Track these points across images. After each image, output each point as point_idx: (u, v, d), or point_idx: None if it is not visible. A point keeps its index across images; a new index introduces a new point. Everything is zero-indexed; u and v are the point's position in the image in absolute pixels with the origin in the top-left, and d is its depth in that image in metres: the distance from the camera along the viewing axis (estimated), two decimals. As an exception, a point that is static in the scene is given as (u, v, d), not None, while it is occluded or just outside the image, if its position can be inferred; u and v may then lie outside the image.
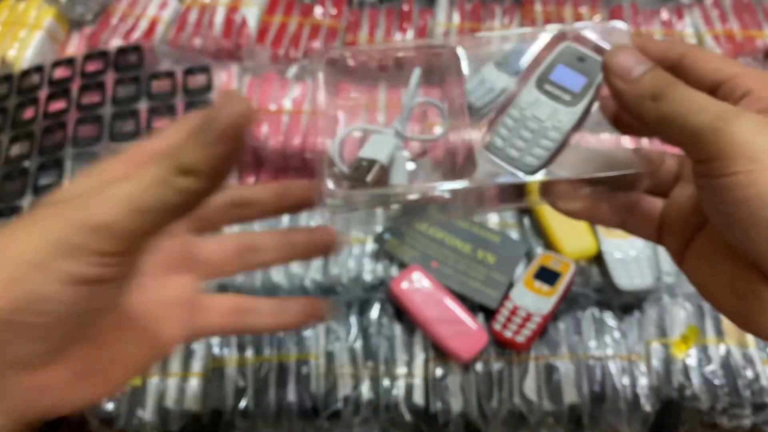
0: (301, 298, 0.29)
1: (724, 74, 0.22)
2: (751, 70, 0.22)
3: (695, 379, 0.46)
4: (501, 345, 0.47)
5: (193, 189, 0.18)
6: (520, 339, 0.46)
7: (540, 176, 0.26)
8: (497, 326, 0.47)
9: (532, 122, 0.28)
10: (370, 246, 0.53)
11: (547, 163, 0.26)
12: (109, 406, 0.47)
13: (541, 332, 0.48)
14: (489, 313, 0.49)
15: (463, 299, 0.49)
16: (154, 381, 0.47)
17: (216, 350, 0.48)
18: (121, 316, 0.24)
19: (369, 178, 0.26)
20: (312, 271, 0.52)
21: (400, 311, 0.49)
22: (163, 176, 0.18)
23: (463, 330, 0.41)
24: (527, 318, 0.47)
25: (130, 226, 0.18)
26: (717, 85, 0.23)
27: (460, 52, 0.31)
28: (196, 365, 0.48)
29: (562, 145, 0.26)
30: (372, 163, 0.27)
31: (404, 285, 0.42)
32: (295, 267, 0.52)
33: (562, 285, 0.48)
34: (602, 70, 0.24)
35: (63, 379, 0.21)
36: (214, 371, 0.47)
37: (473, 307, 0.49)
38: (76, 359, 0.22)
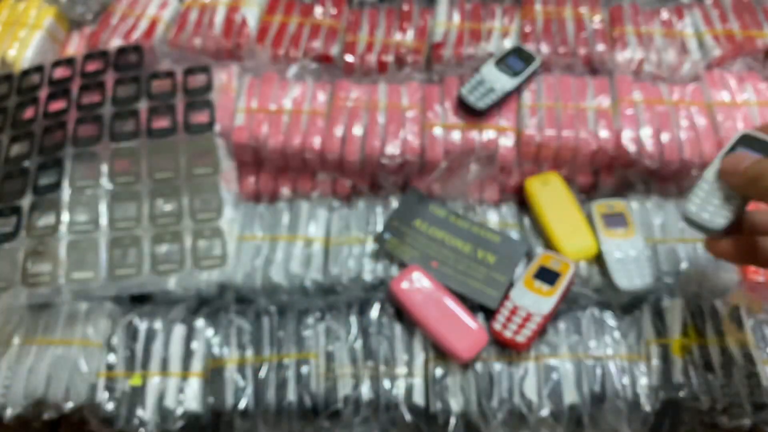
0: None
1: None
2: None
3: (695, 379, 0.46)
4: (501, 345, 0.47)
5: None
6: (520, 339, 0.46)
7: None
8: (497, 326, 0.47)
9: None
10: (370, 246, 0.53)
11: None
12: (109, 406, 0.47)
13: (541, 332, 0.48)
14: (489, 313, 0.49)
15: (463, 299, 0.49)
16: (154, 381, 0.47)
17: (216, 350, 0.48)
18: None
19: None
20: (312, 271, 0.52)
21: (399, 311, 0.49)
22: None
23: (463, 329, 0.41)
24: (527, 318, 0.47)
25: None
26: None
27: None
28: (196, 365, 0.48)
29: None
30: None
31: (404, 285, 0.42)
32: (296, 267, 0.52)
33: (562, 285, 0.48)
34: (720, 175, 0.38)
35: None
36: (214, 371, 0.47)
37: (473, 306, 0.49)
38: None
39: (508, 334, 0.46)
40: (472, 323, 0.42)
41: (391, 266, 0.52)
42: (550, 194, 0.54)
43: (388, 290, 0.41)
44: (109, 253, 0.49)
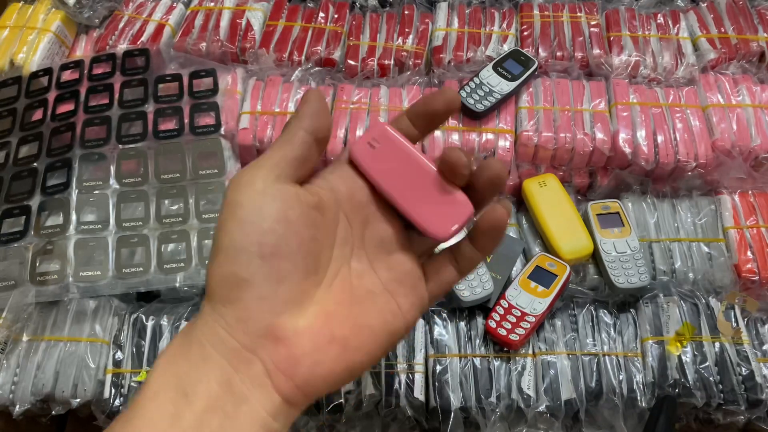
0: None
1: None
2: None
3: (690, 376, 0.47)
4: (495, 342, 0.48)
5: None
6: (514, 337, 0.47)
7: None
8: (492, 324, 0.48)
9: None
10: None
11: None
12: (117, 402, 0.48)
13: (534, 331, 0.49)
14: (486, 310, 0.50)
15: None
16: (160, 377, 0.48)
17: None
18: (357, 289, 0.26)
19: None
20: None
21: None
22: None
23: (440, 200, 0.29)
24: (521, 317, 0.47)
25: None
26: None
27: None
28: (202, 361, 0.49)
29: None
30: None
31: (364, 147, 0.30)
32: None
33: (557, 287, 0.49)
34: None
35: (307, 345, 0.24)
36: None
37: (473, 308, 0.50)
38: (317, 320, 0.24)
39: (502, 332, 0.47)
40: (453, 191, 0.29)
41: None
42: (548, 195, 0.55)
43: (348, 154, 0.29)
44: (116, 251, 0.50)
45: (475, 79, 0.58)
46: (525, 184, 0.56)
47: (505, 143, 0.56)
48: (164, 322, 0.50)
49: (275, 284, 0.24)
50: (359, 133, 0.57)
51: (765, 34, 0.63)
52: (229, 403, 0.22)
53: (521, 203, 0.58)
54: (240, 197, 0.24)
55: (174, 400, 0.22)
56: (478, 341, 0.49)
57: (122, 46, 0.63)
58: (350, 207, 0.28)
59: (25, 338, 0.50)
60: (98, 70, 0.60)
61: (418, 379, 0.47)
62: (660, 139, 0.56)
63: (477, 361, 0.48)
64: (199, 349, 0.23)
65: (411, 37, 0.64)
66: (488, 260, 0.52)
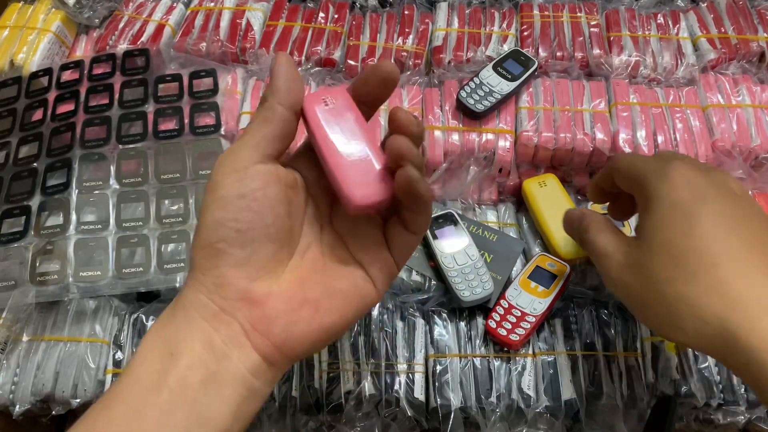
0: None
1: (628, 184, 0.35)
2: (635, 177, 0.35)
3: (690, 376, 0.47)
4: (495, 342, 0.48)
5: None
6: (514, 337, 0.47)
7: None
8: (492, 324, 0.48)
9: None
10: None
11: None
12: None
13: (535, 331, 0.49)
14: (486, 310, 0.50)
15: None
16: (160, 377, 0.48)
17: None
18: (328, 258, 0.29)
19: None
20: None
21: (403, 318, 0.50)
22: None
23: (366, 173, 0.29)
24: (521, 317, 0.48)
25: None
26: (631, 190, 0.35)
27: None
28: (202, 361, 0.49)
29: None
30: None
31: (321, 102, 0.30)
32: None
33: (557, 287, 0.49)
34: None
35: (281, 307, 0.26)
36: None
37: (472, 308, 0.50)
38: (290, 285, 0.27)
39: (502, 332, 0.47)
40: (383, 173, 0.29)
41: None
42: (548, 195, 0.55)
43: (301, 109, 0.29)
44: (116, 251, 0.50)
45: (475, 79, 0.58)
46: (525, 184, 0.56)
47: (505, 143, 0.56)
48: (164, 322, 0.50)
49: (249, 253, 0.26)
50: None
51: (765, 34, 0.63)
52: (211, 361, 0.25)
53: (521, 203, 0.58)
54: (221, 178, 0.26)
55: (161, 358, 0.25)
56: (478, 341, 0.49)
57: (122, 46, 0.63)
58: (317, 191, 0.31)
59: (25, 338, 0.50)
60: (98, 70, 0.60)
61: (418, 379, 0.47)
62: (660, 139, 0.56)
63: (477, 361, 0.48)
64: (183, 313, 0.26)
65: (411, 37, 0.64)
66: (488, 260, 0.52)
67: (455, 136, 0.57)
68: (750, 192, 0.56)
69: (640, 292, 0.31)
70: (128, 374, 0.25)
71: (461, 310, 0.50)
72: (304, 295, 0.27)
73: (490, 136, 0.57)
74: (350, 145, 0.29)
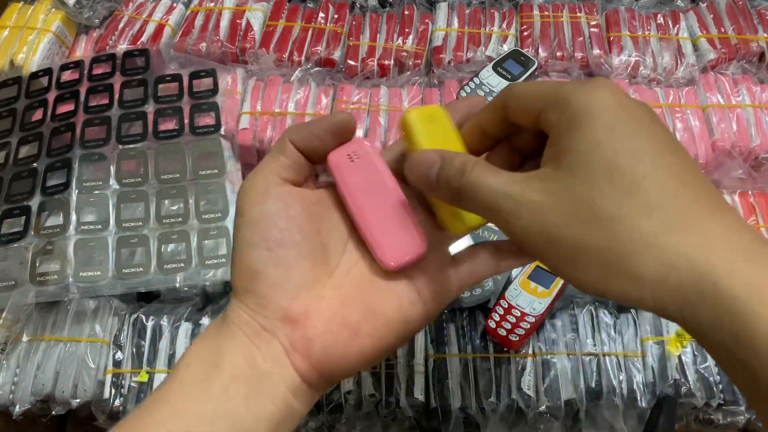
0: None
1: (537, 109, 0.25)
2: (552, 98, 0.25)
3: (690, 376, 0.47)
4: (495, 342, 0.48)
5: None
6: (514, 337, 0.47)
7: None
8: (492, 324, 0.48)
9: None
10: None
11: None
12: (116, 402, 0.48)
13: (534, 331, 0.49)
14: (486, 310, 0.50)
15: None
16: (160, 377, 0.48)
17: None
18: (376, 276, 0.28)
19: None
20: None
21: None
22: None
23: (398, 230, 0.28)
24: (521, 317, 0.48)
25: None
26: (536, 121, 0.25)
27: None
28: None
29: None
30: None
31: (345, 158, 0.29)
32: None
33: (557, 287, 0.49)
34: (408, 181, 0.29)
35: (320, 328, 0.26)
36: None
37: (472, 307, 0.50)
38: (331, 305, 0.26)
39: (502, 332, 0.47)
40: (412, 228, 0.29)
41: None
42: (436, 134, 0.30)
43: (326, 163, 0.29)
44: (116, 252, 0.50)
45: (475, 80, 0.58)
46: (405, 118, 0.30)
47: (505, 143, 0.56)
48: (164, 322, 0.50)
49: (285, 272, 0.26)
50: (359, 134, 0.57)
51: (765, 34, 0.63)
52: (253, 376, 0.25)
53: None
54: (245, 203, 0.27)
55: (205, 369, 0.25)
56: (478, 341, 0.49)
57: (122, 47, 0.63)
58: None
59: (25, 338, 0.50)
60: (98, 71, 0.60)
61: (418, 379, 0.47)
62: (660, 139, 0.56)
63: (477, 361, 0.48)
64: (227, 328, 0.26)
65: (411, 37, 0.64)
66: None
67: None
68: (750, 191, 0.56)
69: (572, 237, 0.22)
70: (173, 380, 0.25)
71: (461, 310, 0.50)
72: (343, 316, 0.26)
73: (490, 136, 0.57)
74: (378, 203, 0.29)
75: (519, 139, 0.28)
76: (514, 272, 0.52)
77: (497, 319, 0.48)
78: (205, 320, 0.51)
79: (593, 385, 0.47)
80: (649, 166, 0.22)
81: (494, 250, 0.29)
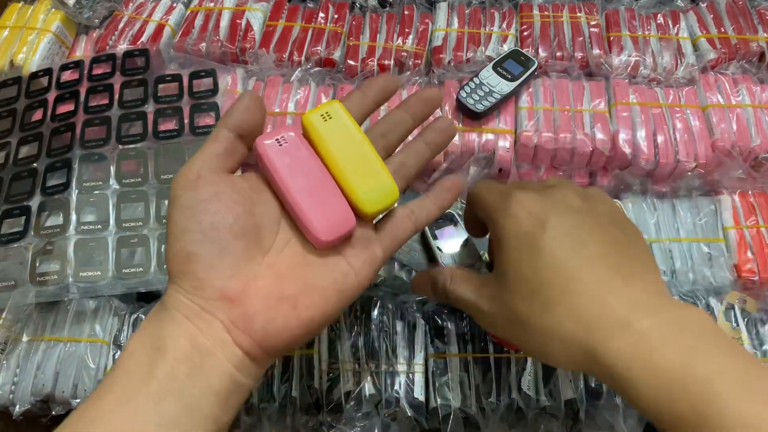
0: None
1: (483, 218, 0.35)
2: (488, 218, 0.34)
3: (690, 376, 0.47)
4: (495, 342, 0.48)
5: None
6: (515, 337, 0.47)
7: None
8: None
9: None
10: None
11: None
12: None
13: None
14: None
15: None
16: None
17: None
18: (309, 254, 0.30)
19: None
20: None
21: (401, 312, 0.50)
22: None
23: (327, 208, 0.30)
24: None
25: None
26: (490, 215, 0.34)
27: None
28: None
29: None
30: None
31: (272, 143, 0.31)
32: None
33: None
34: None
35: (258, 304, 0.27)
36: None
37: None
38: (266, 282, 0.28)
39: (503, 332, 0.47)
40: (342, 205, 0.31)
41: (392, 264, 0.53)
42: (335, 131, 0.33)
43: (254, 149, 0.31)
44: (116, 252, 0.50)
45: (475, 79, 0.58)
46: (305, 119, 0.33)
47: (505, 143, 0.56)
48: (164, 322, 0.50)
49: (219, 253, 0.27)
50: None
51: (765, 34, 0.63)
52: (196, 356, 0.26)
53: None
54: (177, 190, 0.29)
55: (148, 353, 0.26)
56: (478, 341, 0.49)
57: (122, 47, 0.63)
58: None
59: (25, 338, 0.50)
60: (98, 71, 0.60)
61: (418, 379, 0.47)
62: (660, 139, 0.56)
63: (477, 361, 0.48)
64: (167, 313, 0.27)
65: (411, 37, 0.64)
66: (488, 260, 0.52)
67: (455, 137, 0.57)
68: (750, 191, 0.56)
69: (510, 330, 0.31)
70: (116, 369, 0.26)
71: (461, 310, 0.50)
72: (281, 291, 0.28)
73: (490, 136, 0.57)
74: (306, 183, 0.30)
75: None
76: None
77: (497, 319, 0.48)
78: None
79: (593, 385, 0.47)
80: (545, 272, 0.29)
81: (408, 213, 0.34)
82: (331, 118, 0.32)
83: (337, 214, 0.30)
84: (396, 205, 0.33)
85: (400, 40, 0.64)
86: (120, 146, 0.55)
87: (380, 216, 0.33)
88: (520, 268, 0.30)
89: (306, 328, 0.28)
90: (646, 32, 0.63)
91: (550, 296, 0.29)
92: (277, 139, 0.31)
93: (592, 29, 0.63)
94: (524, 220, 0.31)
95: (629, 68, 0.61)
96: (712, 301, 0.50)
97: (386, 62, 0.62)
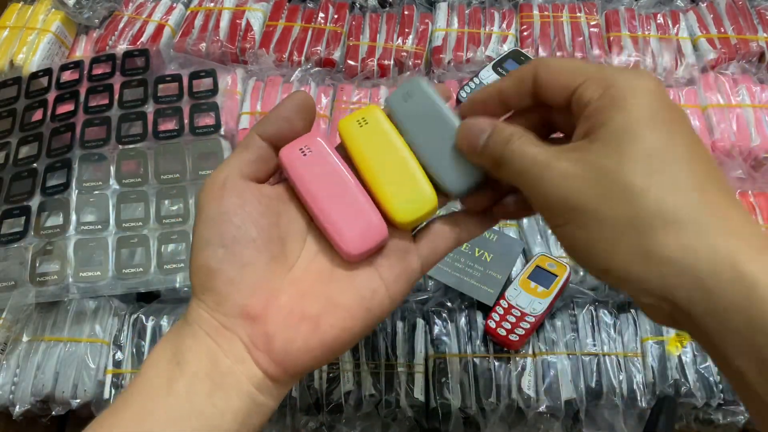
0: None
1: (574, 83, 0.25)
2: (594, 75, 0.25)
3: (690, 376, 0.47)
4: (495, 342, 0.49)
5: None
6: (513, 337, 0.47)
7: None
8: (492, 324, 0.48)
9: None
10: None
11: None
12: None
13: (534, 331, 0.49)
14: (486, 310, 0.50)
15: (462, 296, 0.50)
16: (160, 377, 0.48)
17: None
18: (337, 267, 0.28)
19: None
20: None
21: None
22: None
23: (357, 219, 0.28)
24: (521, 317, 0.48)
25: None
26: (570, 95, 0.26)
27: None
28: (202, 362, 0.49)
29: None
30: None
31: (296, 153, 0.29)
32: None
33: (557, 287, 0.49)
34: (458, 148, 0.29)
35: (279, 323, 0.26)
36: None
37: (471, 304, 0.50)
38: (289, 300, 0.26)
39: (501, 332, 0.47)
40: (372, 214, 0.29)
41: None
42: (371, 137, 0.32)
43: (279, 159, 0.29)
44: (116, 252, 0.50)
45: (475, 79, 0.58)
46: (342, 126, 0.33)
47: (504, 143, 0.56)
48: (164, 322, 0.50)
49: (240, 269, 0.26)
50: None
51: (765, 34, 0.63)
52: (216, 374, 0.25)
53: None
54: (203, 200, 0.28)
55: (169, 368, 0.25)
56: (478, 341, 0.49)
57: (122, 47, 0.63)
58: None
59: (25, 339, 0.50)
60: (98, 71, 0.60)
61: (418, 379, 0.47)
62: (660, 139, 0.56)
63: (477, 361, 0.48)
64: (189, 328, 0.26)
65: (411, 37, 0.64)
66: (488, 260, 0.52)
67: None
68: (750, 191, 0.56)
69: (591, 204, 0.23)
70: (137, 381, 0.25)
71: (461, 310, 0.50)
72: (302, 310, 0.26)
73: (490, 136, 0.57)
74: (334, 193, 0.29)
75: (535, 113, 0.29)
76: (514, 272, 0.52)
77: (497, 319, 0.48)
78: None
79: (593, 385, 0.47)
80: (681, 151, 0.23)
81: (452, 223, 0.30)
82: (367, 123, 0.30)
83: (367, 224, 0.28)
84: (438, 214, 0.30)
85: (400, 40, 0.64)
86: (120, 146, 0.55)
87: (419, 226, 0.30)
88: (656, 137, 0.23)
89: (329, 349, 0.26)
90: (646, 32, 0.63)
91: (687, 176, 0.22)
92: (301, 149, 0.29)
93: (591, 29, 0.63)
94: (662, 96, 0.24)
95: (629, 68, 0.61)
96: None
97: (386, 62, 0.62)
